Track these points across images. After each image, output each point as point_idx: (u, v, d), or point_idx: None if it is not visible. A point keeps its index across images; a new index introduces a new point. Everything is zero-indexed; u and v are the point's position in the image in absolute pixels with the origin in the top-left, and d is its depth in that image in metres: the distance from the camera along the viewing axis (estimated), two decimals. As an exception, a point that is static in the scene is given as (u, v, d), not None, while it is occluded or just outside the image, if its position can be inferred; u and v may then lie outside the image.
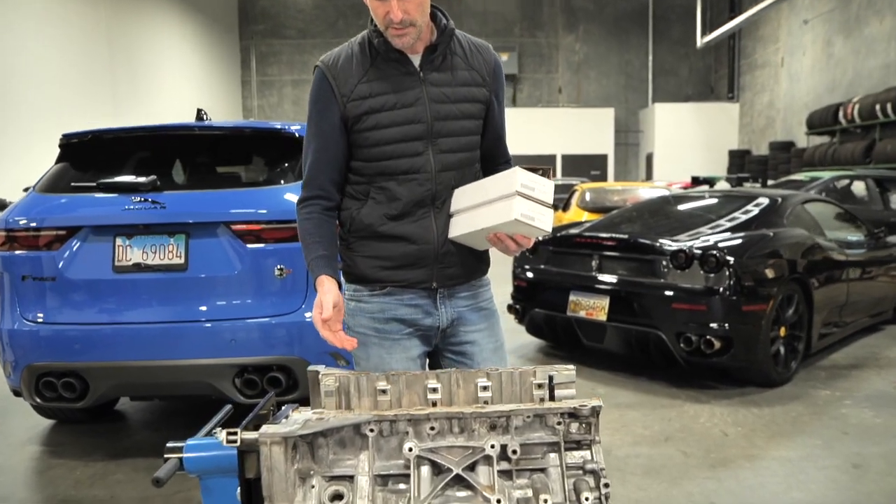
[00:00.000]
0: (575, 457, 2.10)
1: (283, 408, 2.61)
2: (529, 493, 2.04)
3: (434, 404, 2.30)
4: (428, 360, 3.07)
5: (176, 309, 4.69)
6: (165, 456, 2.25)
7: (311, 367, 2.55)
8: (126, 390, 4.94)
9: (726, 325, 6.18)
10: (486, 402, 2.27)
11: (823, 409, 5.99)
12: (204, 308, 4.70)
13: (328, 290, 2.54)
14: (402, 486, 2.07)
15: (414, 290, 2.79)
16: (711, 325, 6.21)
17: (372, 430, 2.07)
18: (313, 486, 2.04)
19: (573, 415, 2.07)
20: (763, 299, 6.33)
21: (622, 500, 4.39)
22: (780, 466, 4.87)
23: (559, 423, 2.07)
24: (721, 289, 6.22)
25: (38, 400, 4.79)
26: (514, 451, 2.04)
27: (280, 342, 4.73)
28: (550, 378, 2.19)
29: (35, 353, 4.74)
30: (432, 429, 2.06)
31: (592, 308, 6.88)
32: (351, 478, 2.07)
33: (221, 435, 2.03)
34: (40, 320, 4.78)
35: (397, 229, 2.70)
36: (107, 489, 4.62)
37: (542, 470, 2.08)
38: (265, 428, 1.96)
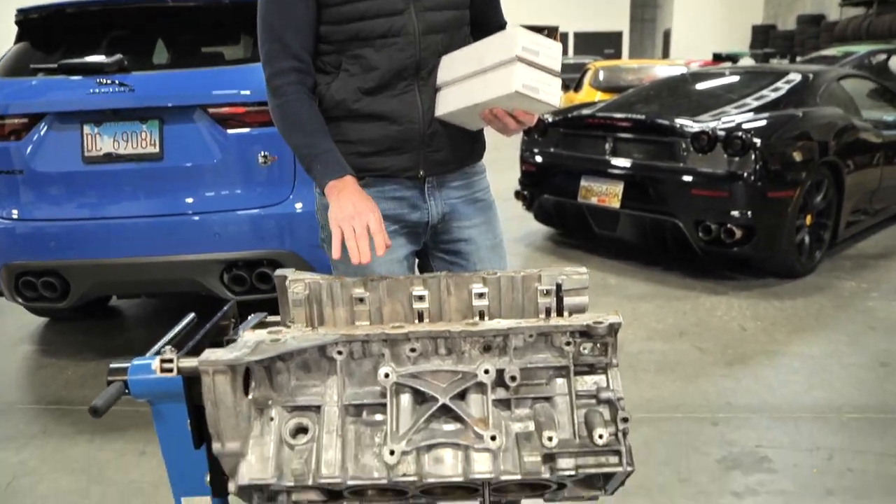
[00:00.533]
0: (587, 383, 1.72)
1: (250, 317, 2.22)
2: (531, 426, 1.67)
3: (420, 316, 1.91)
4: (417, 262, 2.67)
5: (154, 202, 4.28)
6: (108, 378, 1.88)
7: (278, 272, 2.15)
8: (109, 289, 4.62)
9: (749, 212, 5.71)
10: (481, 314, 1.87)
11: (849, 302, 5.61)
12: (184, 200, 4.29)
13: (365, 196, 2.11)
14: (378, 416, 1.71)
15: (397, 181, 2.34)
16: (733, 212, 5.75)
17: (340, 353, 1.68)
18: (272, 419, 1.68)
19: (586, 334, 1.67)
20: (790, 185, 5.83)
21: (634, 399, 4.11)
22: (801, 363, 4.55)
23: (568, 344, 1.67)
24: (745, 174, 5.71)
25: (20, 300, 4.49)
26: (513, 378, 1.65)
27: (269, 235, 4.34)
28: (558, 286, 1.77)
29: (11, 251, 4.39)
30: (413, 350, 1.67)
31: (605, 194, 6.41)
32: (317, 408, 1.70)
33: (156, 362, 1.65)
34: (14, 217, 4.40)
35: (375, 106, 2.21)
36: (97, 389, 4.38)
37: (547, 399, 1.70)
38: (207, 354, 1.57)
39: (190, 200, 4.30)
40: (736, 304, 5.61)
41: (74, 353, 4.92)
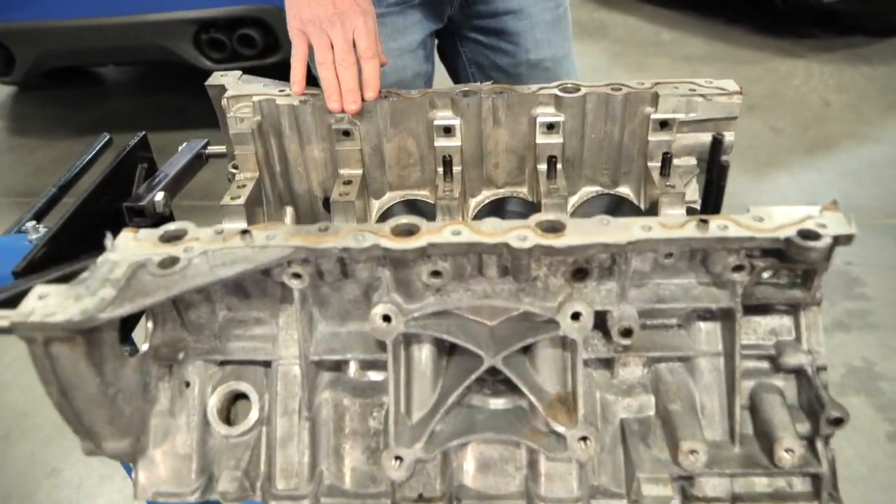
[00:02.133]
0: (757, 331, 0.88)
1: (181, 148, 1.38)
2: (650, 411, 0.87)
3: (446, 164, 1.05)
4: (437, 53, 1.71)
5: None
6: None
7: (211, 80, 1.25)
8: (62, 59, 3.61)
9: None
10: (552, 162, 1.01)
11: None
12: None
13: None
14: (374, 377, 0.92)
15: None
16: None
17: (298, 277, 0.83)
18: (187, 384, 0.89)
19: (778, 253, 0.79)
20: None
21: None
22: (900, 151, 3.61)
23: (739, 269, 0.80)
24: None
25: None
26: (627, 331, 0.82)
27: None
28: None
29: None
30: (436, 274, 0.82)
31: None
32: (266, 364, 0.90)
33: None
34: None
35: None
36: (72, 177, 3.62)
37: (682, 360, 0.88)
38: (30, 303, 0.73)
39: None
40: (816, 70, 4.48)
41: (46, 130, 4.08)
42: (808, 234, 0.78)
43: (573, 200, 1.23)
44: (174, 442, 0.89)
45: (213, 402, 0.90)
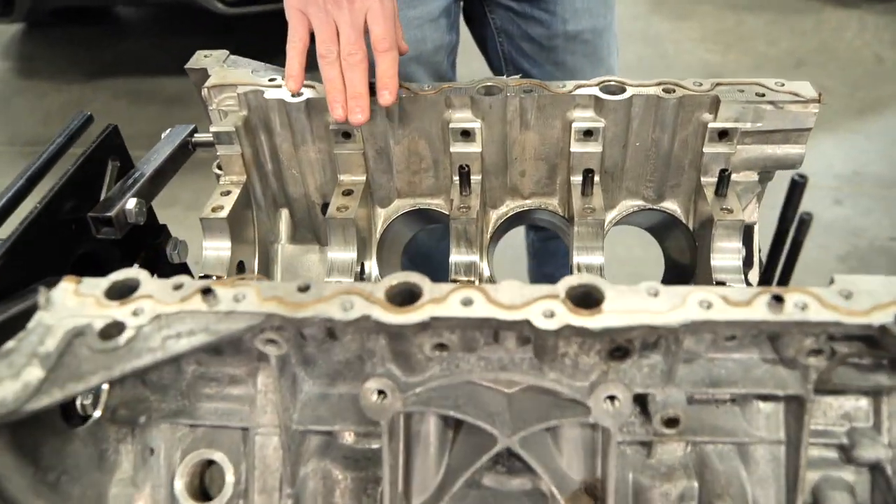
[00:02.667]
0: (827, 413, 0.71)
1: (164, 135, 1.22)
2: (692, 502, 0.71)
3: (465, 176, 0.89)
4: (463, 17, 1.51)
5: None
6: None
7: (192, 62, 1.08)
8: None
9: None
10: (588, 177, 0.84)
11: None
12: None
13: None
14: (371, 443, 0.77)
15: None
16: None
17: (273, 343, 0.67)
18: (152, 451, 0.75)
19: (864, 338, 0.61)
20: None
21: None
22: (960, 117, 3.30)
23: (817, 354, 0.63)
24: None
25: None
26: (674, 421, 0.65)
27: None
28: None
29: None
30: (440, 347, 0.66)
31: None
32: (243, 432, 0.76)
33: None
34: None
35: None
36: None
37: (740, 448, 0.72)
38: None
39: None
40: (871, 23, 4.10)
41: (56, 72, 3.90)
42: (910, 319, 0.60)
43: (612, 216, 1.05)
44: (138, 518, 0.77)
45: (182, 472, 0.77)
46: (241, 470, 0.77)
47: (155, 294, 0.68)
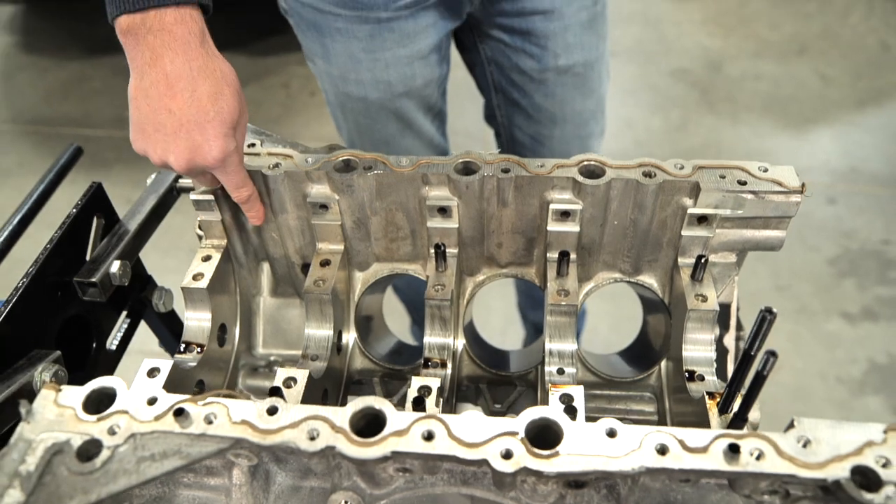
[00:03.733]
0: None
1: (149, 181, 1.20)
2: None
3: (439, 249, 0.88)
4: (454, 42, 1.48)
5: None
6: None
7: None
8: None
9: None
10: (564, 258, 0.84)
11: None
12: None
13: (210, 72, 0.81)
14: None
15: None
16: None
17: (244, 457, 0.68)
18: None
19: (827, 490, 0.61)
20: None
21: (730, 145, 3.00)
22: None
23: (771, 492, 0.63)
24: None
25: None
26: None
27: None
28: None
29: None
30: (404, 470, 0.66)
31: None
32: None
33: None
34: None
35: None
36: (81, 103, 3.44)
37: None
38: None
39: None
40: (879, 7, 3.97)
41: (57, 48, 3.83)
42: (865, 478, 0.60)
43: (587, 288, 1.03)
44: None
45: (160, 562, 0.78)
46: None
47: (130, 409, 0.68)
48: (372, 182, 0.95)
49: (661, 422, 0.98)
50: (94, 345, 1.04)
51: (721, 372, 1.07)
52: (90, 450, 0.66)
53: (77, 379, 0.99)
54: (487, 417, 0.65)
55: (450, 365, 0.94)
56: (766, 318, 0.67)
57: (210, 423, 0.67)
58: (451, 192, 0.94)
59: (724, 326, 0.99)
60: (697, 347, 0.90)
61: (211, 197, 0.97)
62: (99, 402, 0.70)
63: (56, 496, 0.63)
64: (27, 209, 1.23)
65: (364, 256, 1.05)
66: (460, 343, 1.03)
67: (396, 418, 0.66)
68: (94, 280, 0.98)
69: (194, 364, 0.93)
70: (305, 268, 1.07)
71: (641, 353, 1.10)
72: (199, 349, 0.96)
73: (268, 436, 0.65)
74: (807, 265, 2.60)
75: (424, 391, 0.82)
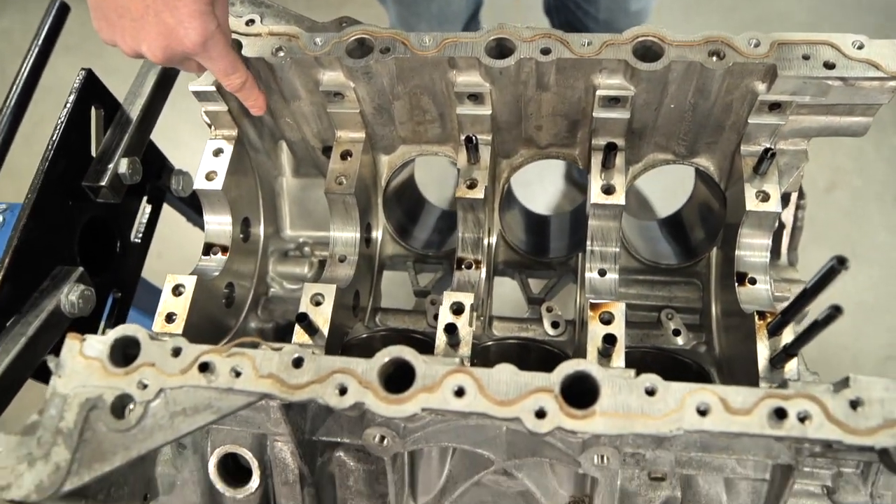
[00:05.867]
0: (818, 459, 0.73)
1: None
2: (675, 514, 0.78)
3: (473, 157, 0.86)
4: None
5: None
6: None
7: None
8: None
9: None
10: (612, 150, 0.81)
11: None
12: None
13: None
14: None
15: None
16: None
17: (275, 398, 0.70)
18: (184, 447, 0.84)
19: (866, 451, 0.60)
20: None
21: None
22: None
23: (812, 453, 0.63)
24: None
25: None
26: (661, 477, 0.69)
27: None
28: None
29: None
30: (434, 411, 0.67)
31: None
32: (260, 439, 0.84)
33: None
34: None
35: None
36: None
37: (726, 479, 0.76)
38: None
39: None
40: None
41: None
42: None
43: (636, 168, 0.94)
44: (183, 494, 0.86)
45: (214, 463, 0.84)
46: (265, 462, 0.85)
47: (156, 361, 0.68)
48: (391, 66, 0.83)
49: (706, 314, 0.95)
50: (118, 242, 1.03)
51: (774, 247, 1.01)
52: (124, 403, 0.68)
53: (105, 284, 1.00)
54: (520, 372, 0.63)
55: (484, 267, 0.90)
56: (834, 270, 0.60)
57: (237, 375, 0.67)
58: (482, 77, 0.82)
59: (784, 198, 0.91)
60: (752, 252, 0.84)
61: (212, 87, 0.88)
62: (124, 351, 0.70)
63: (99, 452, 0.66)
64: (23, 83, 1.14)
65: (389, 140, 0.96)
66: (495, 235, 0.98)
67: (426, 371, 0.64)
68: (103, 184, 0.94)
69: (218, 272, 0.91)
70: (326, 150, 1.00)
71: (689, 235, 1.04)
72: (222, 251, 0.94)
73: (295, 391, 0.65)
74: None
75: (457, 308, 0.79)
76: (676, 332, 0.94)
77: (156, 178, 1.07)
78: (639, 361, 0.90)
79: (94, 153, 0.98)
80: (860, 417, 0.59)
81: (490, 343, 0.95)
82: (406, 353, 0.65)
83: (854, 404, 0.59)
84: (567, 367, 0.63)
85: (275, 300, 1.06)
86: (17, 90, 1.08)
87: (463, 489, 0.78)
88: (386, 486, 0.85)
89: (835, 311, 0.59)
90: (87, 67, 0.96)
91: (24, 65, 1.10)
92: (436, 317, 0.92)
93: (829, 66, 0.75)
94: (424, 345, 0.93)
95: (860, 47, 0.76)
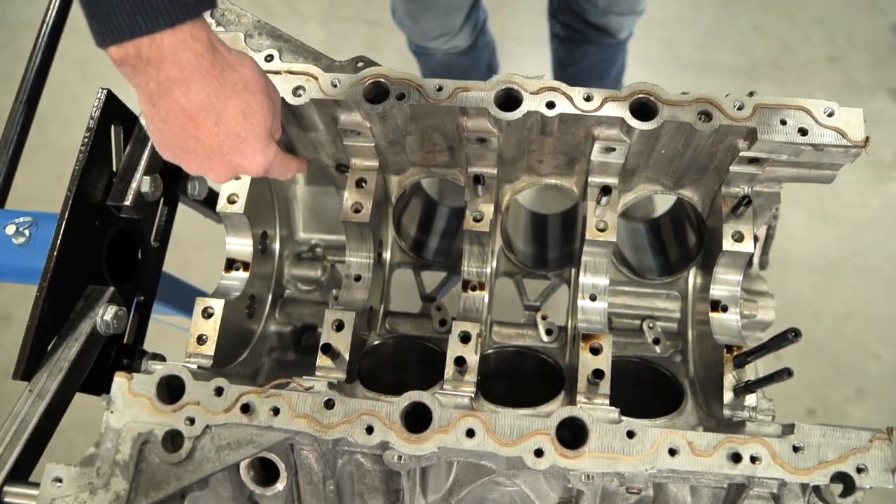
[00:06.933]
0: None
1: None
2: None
3: (479, 179, 0.96)
4: None
5: None
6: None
7: None
8: None
9: None
10: (607, 192, 0.92)
11: None
12: None
13: (230, 89, 0.71)
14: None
15: None
16: None
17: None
18: (219, 449, 0.96)
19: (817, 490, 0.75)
20: None
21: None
22: None
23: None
24: None
25: None
26: (637, 490, 0.84)
27: None
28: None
29: None
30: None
31: None
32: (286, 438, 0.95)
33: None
34: None
35: None
36: None
37: (692, 486, 0.91)
38: (42, 495, 0.77)
39: None
40: None
41: None
42: (843, 482, 0.71)
43: (627, 199, 1.03)
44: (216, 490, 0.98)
45: (244, 464, 0.96)
46: (291, 465, 0.96)
47: (201, 399, 0.78)
48: (406, 110, 0.89)
49: (683, 322, 1.07)
50: (140, 251, 1.10)
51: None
52: (174, 441, 0.78)
53: (130, 291, 1.07)
54: (523, 415, 0.75)
55: (487, 288, 1.00)
56: (788, 339, 0.71)
57: (276, 413, 0.77)
58: (490, 124, 0.89)
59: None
60: (726, 287, 0.95)
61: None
62: (170, 389, 0.80)
63: (154, 482, 0.77)
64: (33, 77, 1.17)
65: (400, 165, 1.03)
66: (496, 258, 1.07)
67: (441, 414, 0.76)
68: (127, 203, 1.00)
69: (240, 291, 1.00)
70: (340, 167, 1.07)
71: (671, 251, 1.14)
72: (244, 267, 1.02)
73: (328, 430, 0.76)
74: (867, 31, 2.39)
75: (464, 336, 0.90)
76: (656, 341, 1.07)
77: (173, 186, 1.13)
78: (622, 370, 1.02)
79: (114, 168, 1.03)
80: (800, 459, 0.72)
81: (490, 351, 1.06)
82: (424, 397, 0.76)
83: (796, 448, 0.72)
84: (562, 413, 0.75)
85: (291, 302, 1.15)
86: (27, 88, 1.12)
87: (467, 491, 0.92)
88: (399, 482, 0.98)
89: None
90: (106, 87, 1.00)
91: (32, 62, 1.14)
92: (441, 322, 1.03)
93: (803, 132, 0.83)
94: (431, 353, 1.04)
95: (830, 114, 0.84)
